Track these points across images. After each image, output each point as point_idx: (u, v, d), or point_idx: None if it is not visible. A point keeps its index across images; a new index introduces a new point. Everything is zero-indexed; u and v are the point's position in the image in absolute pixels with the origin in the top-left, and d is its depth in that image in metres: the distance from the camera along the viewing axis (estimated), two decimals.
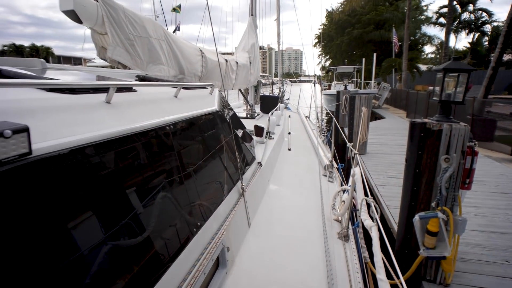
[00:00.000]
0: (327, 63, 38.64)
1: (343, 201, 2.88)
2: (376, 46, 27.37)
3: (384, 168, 6.29)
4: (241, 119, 3.42)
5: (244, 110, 6.87)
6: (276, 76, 14.81)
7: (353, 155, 3.09)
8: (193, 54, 3.34)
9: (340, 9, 30.61)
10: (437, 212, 2.36)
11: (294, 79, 17.36)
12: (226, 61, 4.47)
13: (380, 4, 28.80)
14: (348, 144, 3.64)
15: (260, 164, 3.10)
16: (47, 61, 1.75)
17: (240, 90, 6.41)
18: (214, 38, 2.28)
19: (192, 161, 1.69)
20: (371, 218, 2.03)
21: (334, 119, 5.72)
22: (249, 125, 3.85)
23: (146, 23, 2.56)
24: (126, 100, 1.35)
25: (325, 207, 2.96)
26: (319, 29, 36.09)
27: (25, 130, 0.71)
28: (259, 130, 4.00)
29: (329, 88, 21.22)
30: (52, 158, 0.81)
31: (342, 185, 3.88)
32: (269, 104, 6.94)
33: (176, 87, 1.86)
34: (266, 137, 4.08)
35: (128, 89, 1.44)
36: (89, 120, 1.04)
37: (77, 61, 36.39)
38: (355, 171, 2.54)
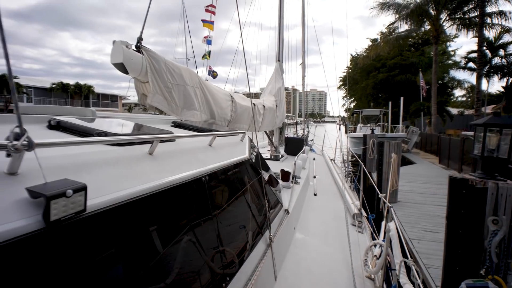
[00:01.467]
0: (352, 105, 38.76)
1: (375, 255, 2.66)
2: (402, 89, 27.18)
3: (418, 219, 5.85)
4: (266, 161, 3.43)
5: (268, 150, 6.90)
6: (300, 116, 15.01)
7: (386, 208, 2.91)
8: (224, 100, 3.49)
9: (364, 54, 31.25)
10: (487, 282, 2.08)
11: (318, 120, 17.45)
12: (254, 105, 4.62)
13: (406, 50, 29.09)
14: (380, 195, 3.45)
15: (287, 211, 3.00)
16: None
17: (265, 131, 6.52)
18: (249, 86, 2.40)
19: (225, 211, 1.69)
20: (411, 282, 1.85)
21: (362, 164, 5.53)
22: (273, 166, 3.82)
23: (183, 72, 2.76)
24: (166, 151, 1.43)
25: (355, 261, 2.74)
26: (344, 72, 36.84)
27: (84, 189, 0.76)
28: (285, 175, 3.94)
29: (354, 131, 21.02)
30: (102, 213, 0.86)
31: (373, 237, 3.61)
32: (293, 146, 6.93)
33: (211, 136, 1.94)
34: (292, 181, 3.99)
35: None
36: (134, 173, 1.12)
37: (113, 98, 40.62)
38: (390, 226, 2.37)
